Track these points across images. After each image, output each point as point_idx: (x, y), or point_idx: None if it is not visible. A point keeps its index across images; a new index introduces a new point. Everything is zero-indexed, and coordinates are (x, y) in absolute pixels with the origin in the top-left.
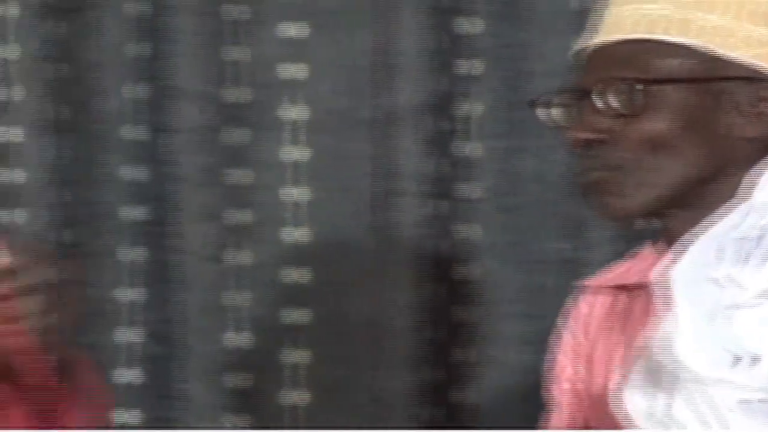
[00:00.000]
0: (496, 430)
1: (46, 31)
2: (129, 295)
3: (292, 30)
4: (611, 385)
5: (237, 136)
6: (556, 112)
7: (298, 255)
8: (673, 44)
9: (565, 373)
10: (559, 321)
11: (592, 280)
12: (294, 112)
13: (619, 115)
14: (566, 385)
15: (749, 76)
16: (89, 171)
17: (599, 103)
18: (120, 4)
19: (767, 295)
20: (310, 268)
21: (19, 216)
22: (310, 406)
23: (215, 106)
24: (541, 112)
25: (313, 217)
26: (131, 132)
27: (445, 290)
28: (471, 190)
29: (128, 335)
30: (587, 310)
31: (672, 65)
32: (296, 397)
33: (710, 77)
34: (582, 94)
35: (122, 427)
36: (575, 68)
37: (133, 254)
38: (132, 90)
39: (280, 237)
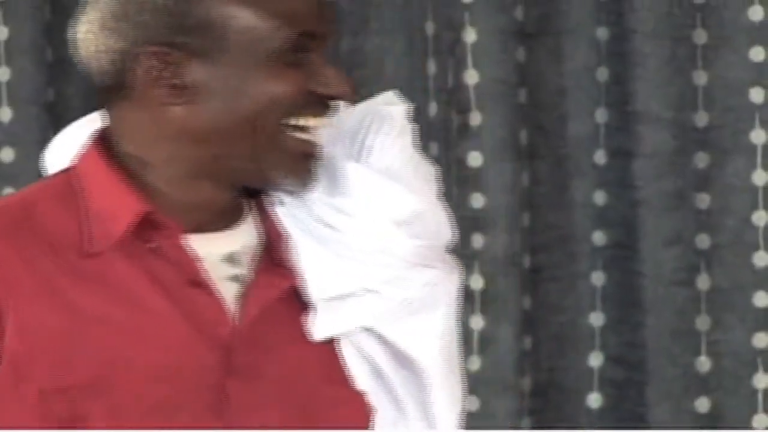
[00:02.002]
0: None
1: (506, 57)
2: (599, 319)
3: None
4: None
5: (703, 160)
6: None
7: None
8: None
9: None
10: None
11: None
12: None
13: None
14: None
15: None
16: (554, 195)
17: None
18: (582, 28)
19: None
20: None
21: (476, 241)
22: None
23: (682, 131)
24: None
25: None
26: (600, 157)
27: None
28: None
29: (598, 360)
30: None
31: None
32: None
33: None
34: None
35: None
36: None
37: (599, 278)
38: (600, 114)
39: (752, 261)
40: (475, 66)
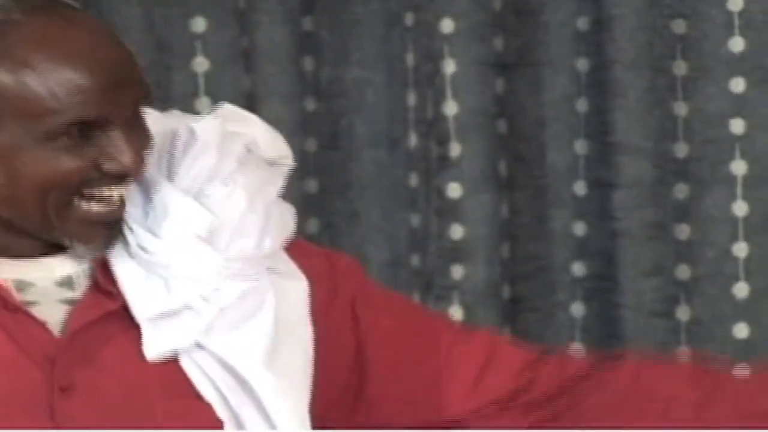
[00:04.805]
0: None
1: (485, 88)
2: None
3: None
4: None
5: (683, 191)
6: None
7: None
8: None
9: None
10: None
11: None
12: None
13: None
14: None
15: None
16: (534, 226)
17: None
18: (562, 59)
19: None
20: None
21: (456, 272)
22: None
23: (662, 161)
24: None
25: (754, 272)
26: (580, 187)
27: None
28: None
29: None
30: None
31: None
32: None
33: None
34: None
35: None
36: None
37: (578, 309)
38: (579, 145)
39: (732, 293)
40: (455, 97)
